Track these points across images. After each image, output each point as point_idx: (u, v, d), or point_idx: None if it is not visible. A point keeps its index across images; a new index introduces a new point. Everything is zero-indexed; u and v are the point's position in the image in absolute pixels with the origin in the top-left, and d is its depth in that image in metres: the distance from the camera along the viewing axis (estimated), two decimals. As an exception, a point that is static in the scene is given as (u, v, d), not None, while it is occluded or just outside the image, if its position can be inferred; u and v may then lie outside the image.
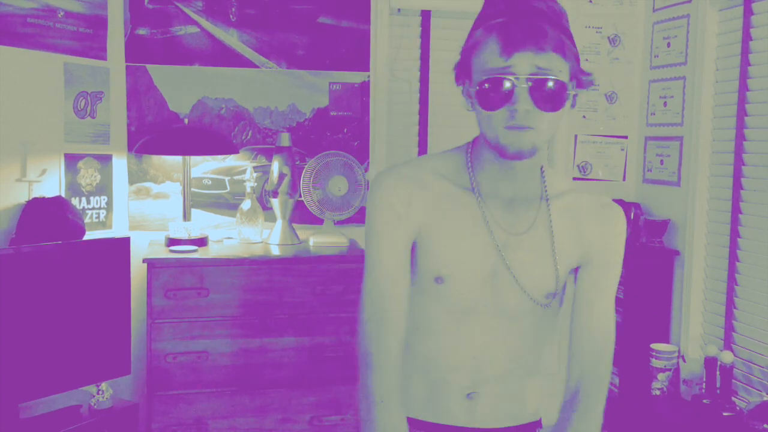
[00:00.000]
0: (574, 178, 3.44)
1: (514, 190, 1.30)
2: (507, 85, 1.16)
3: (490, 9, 1.21)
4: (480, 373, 1.35)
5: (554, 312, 1.38)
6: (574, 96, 1.24)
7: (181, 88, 3.09)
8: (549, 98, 1.17)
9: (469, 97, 1.25)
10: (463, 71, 1.26)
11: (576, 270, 1.38)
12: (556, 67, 1.17)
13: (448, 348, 1.33)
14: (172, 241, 2.87)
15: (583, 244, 1.34)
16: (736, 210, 2.89)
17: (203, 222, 3.13)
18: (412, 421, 1.36)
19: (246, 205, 3.00)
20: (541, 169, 1.34)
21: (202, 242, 2.91)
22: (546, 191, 1.33)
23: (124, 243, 2.64)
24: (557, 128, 1.24)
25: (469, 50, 1.23)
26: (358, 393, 1.31)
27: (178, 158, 3.06)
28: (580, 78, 1.24)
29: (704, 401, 2.80)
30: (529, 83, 1.16)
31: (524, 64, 1.15)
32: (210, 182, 3.16)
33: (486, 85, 1.18)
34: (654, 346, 3.02)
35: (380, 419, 1.27)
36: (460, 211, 1.30)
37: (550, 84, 1.16)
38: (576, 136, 3.44)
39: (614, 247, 1.36)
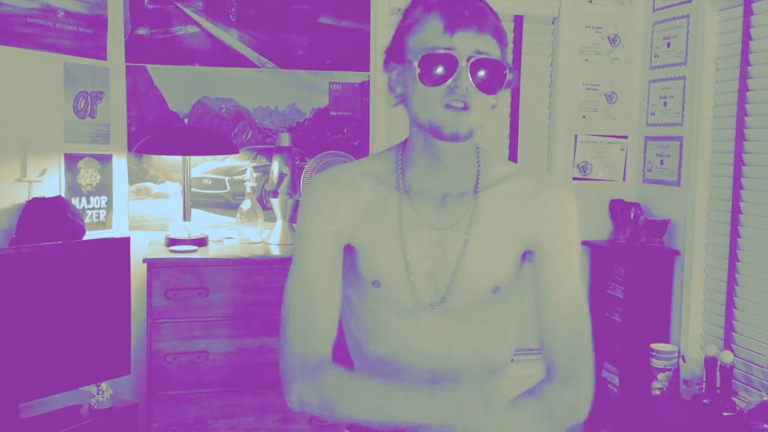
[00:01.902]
0: (574, 178, 3.44)
1: (446, 185, 1.27)
2: (450, 61, 1.15)
3: None
4: (436, 372, 1.31)
5: (504, 303, 1.33)
6: (505, 86, 1.23)
7: (181, 88, 3.09)
8: (489, 79, 1.17)
9: (398, 83, 1.24)
10: (395, 54, 1.24)
11: (525, 255, 1.32)
12: (495, 52, 1.18)
13: (400, 349, 1.30)
14: (172, 241, 2.87)
15: (527, 229, 1.29)
16: (736, 210, 2.89)
17: (203, 222, 3.13)
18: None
19: (246, 205, 3.00)
20: (477, 160, 1.30)
21: (202, 242, 2.91)
22: (478, 183, 1.29)
23: (124, 243, 2.64)
24: (488, 118, 1.22)
25: (404, 30, 1.22)
26: (292, 400, 1.27)
27: (178, 158, 3.06)
28: (508, 69, 1.22)
29: (704, 401, 2.80)
30: (470, 62, 1.15)
31: (466, 43, 1.15)
32: (210, 182, 3.16)
33: (426, 62, 1.16)
34: (654, 346, 3.02)
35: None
36: (390, 212, 1.27)
37: (490, 66, 1.17)
38: (576, 136, 3.44)
39: (564, 227, 1.30)
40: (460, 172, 1.28)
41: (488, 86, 1.17)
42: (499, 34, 1.19)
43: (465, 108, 1.17)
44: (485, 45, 1.16)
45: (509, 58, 1.26)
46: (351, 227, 1.28)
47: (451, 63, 1.15)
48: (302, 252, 1.30)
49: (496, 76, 1.18)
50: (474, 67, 1.15)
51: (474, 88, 1.16)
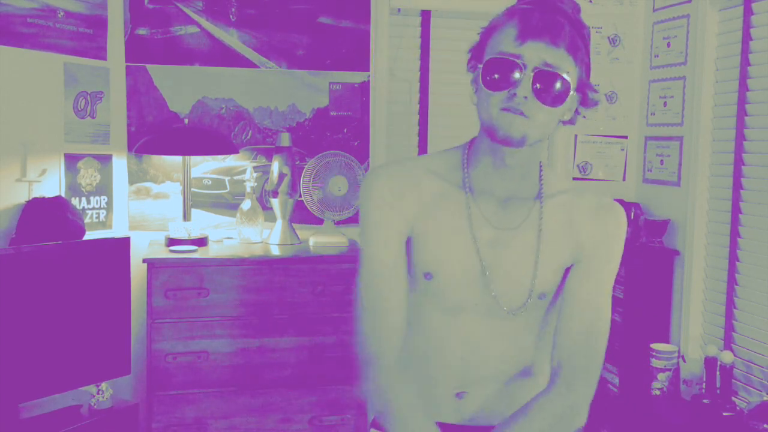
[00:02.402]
0: (574, 178, 3.44)
1: (509, 188, 1.29)
2: (513, 68, 1.17)
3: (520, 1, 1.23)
4: (469, 374, 1.34)
5: (546, 311, 1.36)
6: (576, 110, 1.26)
7: (181, 88, 3.09)
8: (549, 92, 1.18)
9: (475, 82, 1.25)
10: (476, 54, 1.26)
11: (568, 269, 1.36)
12: (565, 67, 1.18)
13: (438, 346, 1.33)
14: (172, 241, 2.87)
15: (576, 243, 1.32)
16: (736, 210, 2.89)
17: (203, 222, 3.13)
18: None
19: (246, 205, 3.00)
20: (540, 169, 1.33)
21: (202, 242, 2.90)
22: (542, 190, 1.32)
23: (124, 243, 2.64)
24: (551, 131, 1.24)
25: (487, 33, 1.24)
26: (362, 388, 1.32)
27: (178, 158, 3.06)
28: (587, 92, 1.25)
29: (704, 401, 2.80)
30: (534, 72, 1.16)
31: (535, 54, 1.16)
32: (210, 182, 3.16)
33: (492, 65, 1.18)
34: (654, 346, 3.02)
35: (400, 414, 1.28)
36: (450, 208, 1.29)
37: (554, 79, 1.17)
38: (576, 136, 3.44)
39: (609, 245, 1.33)
40: (522, 178, 1.30)
41: (548, 98, 1.18)
42: (574, 50, 1.19)
43: (521, 114, 1.18)
44: (556, 58, 1.17)
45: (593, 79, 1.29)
46: (414, 217, 1.30)
47: (513, 69, 1.17)
48: (368, 243, 1.32)
49: (559, 91, 1.18)
50: (536, 78, 1.17)
51: (533, 96, 1.17)
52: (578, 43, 1.20)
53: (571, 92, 1.20)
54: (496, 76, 1.18)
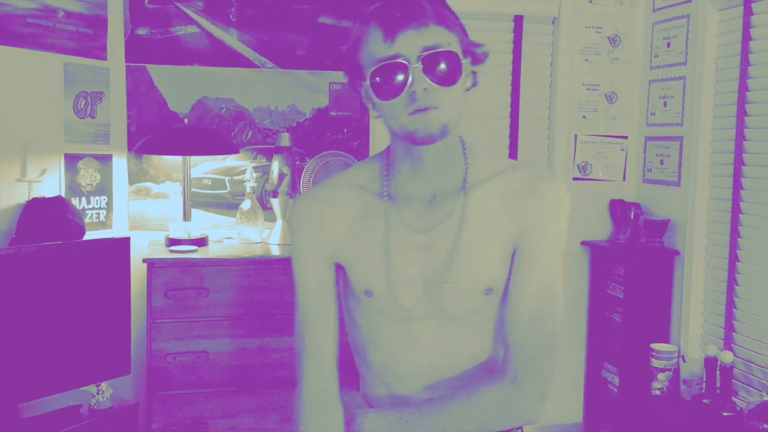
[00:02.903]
0: (574, 178, 3.44)
1: (432, 186, 1.24)
2: (398, 69, 1.12)
3: (364, 4, 1.18)
4: (434, 375, 1.29)
5: (499, 304, 1.28)
6: (474, 73, 1.20)
7: (181, 88, 3.09)
8: (444, 72, 1.13)
9: (368, 98, 1.21)
10: (354, 73, 1.21)
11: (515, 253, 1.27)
12: (444, 41, 1.13)
13: (400, 356, 1.28)
14: (172, 241, 2.87)
15: (514, 225, 1.23)
16: (736, 210, 2.89)
17: (203, 222, 3.13)
18: None
19: (246, 205, 3.00)
20: (465, 156, 1.26)
21: (202, 242, 2.91)
22: (466, 180, 1.25)
23: (124, 243, 2.64)
24: (463, 107, 1.19)
25: (353, 49, 1.19)
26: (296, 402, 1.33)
27: (178, 158, 3.06)
28: (473, 51, 1.19)
29: (704, 401, 2.80)
30: (420, 62, 1.11)
31: (410, 44, 1.11)
32: (210, 182, 3.16)
33: (377, 76, 1.14)
34: (654, 346, 3.02)
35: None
36: (376, 222, 1.25)
37: (442, 58, 1.12)
38: (576, 136, 3.44)
39: (550, 222, 1.23)
40: (445, 171, 1.24)
41: (447, 78, 1.14)
42: (445, 19, 1.14)
43: (432, 109, 1.13)
44: (432, 38, 1.12)
45: (477, 39, 1.22)
46: (338, 244, 1.28)
47: (398, 70, 1.12)
48: (297, 271, 1.32)
49: (452, 66, 1.14)
50: (426, 66, 1.12)
51: (433, 85, 1.13)
52: (442, 11, 1.14)
53: (462, 60, 1.15)
54: (386, 84, 1.13)
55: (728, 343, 2.91)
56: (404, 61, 1.11)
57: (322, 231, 1.28)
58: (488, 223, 1.23)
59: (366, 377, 1.38)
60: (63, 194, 2.80)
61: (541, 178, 1.25)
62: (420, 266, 1.24)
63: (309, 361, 1.31)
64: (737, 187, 2.89)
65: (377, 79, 1.14)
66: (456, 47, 1.15)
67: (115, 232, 3.02)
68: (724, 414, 2.69)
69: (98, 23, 2.94)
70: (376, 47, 1.14)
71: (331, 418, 1.30)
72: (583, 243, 3.41)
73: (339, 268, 1.32)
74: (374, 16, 1.14)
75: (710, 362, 2.80)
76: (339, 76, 3.21)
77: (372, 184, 1.28)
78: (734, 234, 2.90)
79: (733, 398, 2.80)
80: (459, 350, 1.28)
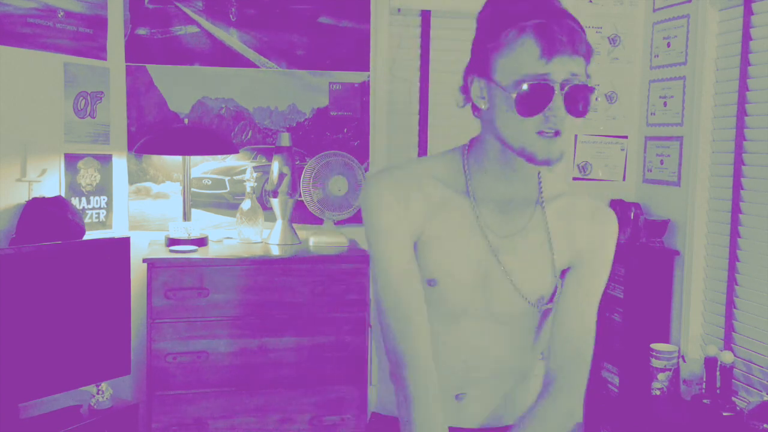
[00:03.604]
0: (574, 178, 3.44)
1: (510, 192, 1.29)
2: (546, 90, 1.15)
3: (514, 7, 1.18)
4: (469, 376, 1.35)
5: (541, 315, 1.38)
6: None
7: (181, 88, 3.09)
8: (580, 104, 1.18)
9: (477, 96, 1.23)
10: (478, 67, 1.22)
11: (565, 272, 1.37)
12: (583, 72, 1.18)
13: (439, 351, 1.32)
14: (172, 241, 2.87)
15: (575, 247, 1.34)
16: (736, 210, 2.89)
17: (203, 222, 3.13)
18: None
19: (246, 205, 3.00)
20: (539, 172, 1.32)
21: (202, 242, 2.91)
22: (542, 194, 1.32)
23: (124, 243, 2.64)
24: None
25: (492, 48, 1.19)
26: (396, 392, 1.30)
27: (178, 158, 3.06)
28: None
29: (704, 401, 2.80)
30: (565, 89, 1.16)
31: (561, 69, 1.15)
32: (210, 182, 3.16)
33: (526, 89, 1.15)
34: (654, 346, 3.02)
35: (418, 419, 1.25)
36: (453, 214, 1.29)
37: (584, 91, 1.18)
38: (576, 136, 3.44)
39: (604, 250, 1.36)
40: (525, 182, 1.30)
41: (582, 110, 1.19)
42: (589, 53, 1.19)
43: (556, 134, 1.17)
44: (578, 67, 1.17)
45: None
46: (422, 222, 1.29)
47: (548, 92, 1.15)
48: (381, 252, 1.29)
49: (586, 99, 1.19)
50: (568, 94, 1.16)
51: (567, 115, 1.17)
52: (589, 45, 1.19)
53: (596, 96, 1.21)
54: (531, 101, 1.15)
55: (728, 343, 2.91)
56: (552, 84, 1.15)
57: (409, 208, 1.28)
58: (558, 238, 1.32)
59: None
60: (63, 194, 2.80)
61: (602, 210, 1.38)
62: (486, 267, 1.30)
63: (407, 326, 1.28)
64: (737, 187, 2.89)
65: (525, 91, 1.15)
66: (588, 80, 1.20)
67: (115, 232, 3.02)
68: (724, 414, 2.69)
69: (98, 23, 2.93)
70: (528, 60, 1.15)
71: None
72: (583, 243, 3.41)
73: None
74: (533, 29, 1.15)
75: (710, 362, 2.80)
76: (339, 76, 3.22)
77: (452, 179, 1.30)
78: (734, 234, 2.90)
79: (733, 398, 2.80)
80: (495, 351, 1.35)
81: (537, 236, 1.31)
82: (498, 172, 1.27)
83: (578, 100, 1.17)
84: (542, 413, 1.32)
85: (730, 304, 2.92)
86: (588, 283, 1.35)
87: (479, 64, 1.22)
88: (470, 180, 1.29)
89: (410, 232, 1.29)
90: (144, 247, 2.94)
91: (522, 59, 1.16)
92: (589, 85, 1.19)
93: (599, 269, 1.36)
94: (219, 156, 3.12)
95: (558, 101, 1.15)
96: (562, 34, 1.14)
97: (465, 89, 1.27)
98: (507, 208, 1.30)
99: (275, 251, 2.85)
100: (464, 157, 1.31)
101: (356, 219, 3.08)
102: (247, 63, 3.13)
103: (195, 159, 3.08)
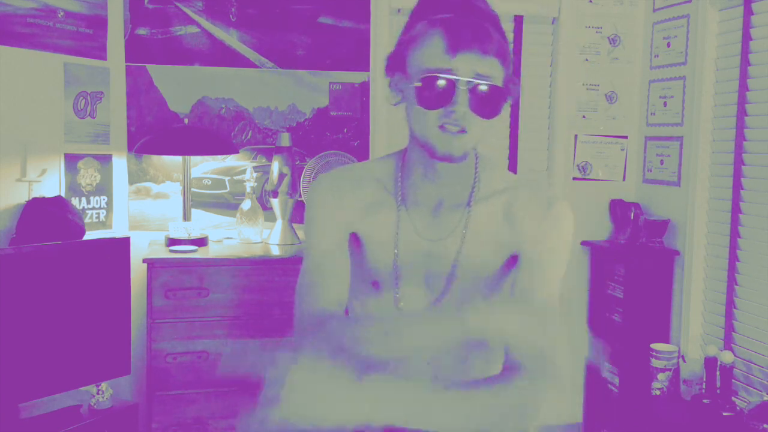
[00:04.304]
0: (574, 178, 3.44)
1: (438, 195, 1.28)
2: (448, 84, 1.13)
3: (431, 2, 1.19)
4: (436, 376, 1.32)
5: (488, 290, 1.33)
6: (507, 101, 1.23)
7: (181, 88, 3.09)
8: (487, 105, 1.16)
9: (398, 90, 1.23)
10: (396, 63, 1.23)
11: (512, 262, 1.31)
12: (496, 74, 1.16)
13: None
14: (172, 241, 2.87)
15: (515, 236, 1.28)
16: (736, 210, 2.89)
17: (203, 222, 3.13)
18: None
19: (246, 205, 3.00)
20: (476, 171, 1.30)
21: (202, 242, 2.91)
22: (472, 196, 1.29)
23: (124, 243, 2.64)
24: (485, 135, 1.22)
25: (407, 43, 1.20)
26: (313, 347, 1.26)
27: (178, 158, 3.06)
28: (510, 86, 1.21)
29: (704, 401, 2.80)
30: (470, 86, 1.14)
31: (467, 66, 1.13)
32: (210, 182, 3.16)
33: (426, 82, 1.15)
34: (654, 346, 3.02)
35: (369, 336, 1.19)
36: (388, 219, 1.29)
37: (491, 91, 1.15)
38: (576, 136, 3.44)
39: (552, 237, 1.27)
40: (455, 184, 1.28)
41: (486, 111, 1.17)
42: (503, 55, 1.16)
43: (461, 131, 1.16)
44: (487, 68, 1.15)
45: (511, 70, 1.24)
46: (355, 217, 1.30)
47: (449, 87, 1.14)
48: (310, 236, 1.33)
49: (494, 101, 1.16)
50: (473, 93, 1.14)
51: (470, 111, 1.15)
52: (504, 46, 1.17)
53: (506, 99, 1.19)
54: (432, 95, 1.15)
55: (728, 343, 2.91)
56: (455, 80, 1.13)
57: (343, 201, 1.30)
58: (489, 237, 1.28)
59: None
60: (63, 194, 2.80)
61: (543, 198, 1.28)
62: (422, 271, 1.29)
63: (320, 297, 1.27)
64: (737, 187, 2.89)
65: (426, 84, 1.15)
66: (500, 82, 1.17)
67: (115, 232, 3.02)
68: (724, 414, 2.69)
69: (98, 23, 2.93)
70: (434, 54, 1.15)
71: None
72: (583, 243, 3.41)
73: (352, 250, 1.34)
74: (442, 24, 1.15)
75: (710, 362, 2.80)
76: (339, 76, 3.21)
77: (388, 182, 1.32)
78: (734, 234, 2.90)
79: (733, 398, 2.80)
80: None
81: (470, 239, 1.28)
82: (422, 174, 1.27)
83: (486, 100, 1.15)
84: (485, 393, 1.18)
85: (730, 304, 2.92)
86: (538, 273, 1.27)
87: (397, 59, 1.23)
88: (401, 184, 1.30)
89: (342, 225, 1.30)
90: (144, 247, 2.94)
91: (429, 53, 1.15)
92: (495, 84, 1.15)
93: (546, 258, 1.27)
94: (219, 156, 3.12)
95: (461, 98, 1.14)
96: (469, 32, 1.13)
97: (391, 85, 1.27)
98: (437, 212, 1.29)
99: (275, 251, 2.85)
100: (398, 162, 1.33)
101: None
102: (247, 63, 3.13)
103: (195, 159, 3.08)
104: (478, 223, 1.28)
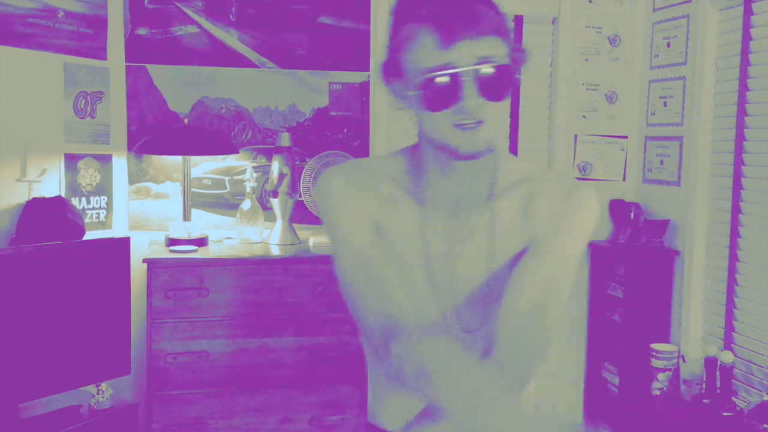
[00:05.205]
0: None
1: (458, 191, 1.20)
2: (452, 80, 1.05)
3: (411, 2, 1.10)
4: None
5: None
6: (516, 80, 1.14)
7: (181, 88, 3.09)
8: (497, 86, 1.07)
9: (400, 97, 1.15)
10: (391, 70, 1.15)
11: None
12: (498, 52, 1.07)
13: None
14: (172, 241, 2.87)
15: (532, 225, 1.19)
16: (736, 210, 2.89)
17: (203, 222, 3.13)
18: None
19: (246, 205, 3.00)
20: (495, 164, 1.21)
21: (202, 242, 2.90)
22: (494, 188, 1.20)
23: (124, 243, 2.64)
24: (507, 117, 1.17)
25: (397, 48, 1.12)
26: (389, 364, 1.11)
27: (178, 158, 3.06)
28: (517, 56, 1.13)
29: (704, 401, 2.80)
30: (474, 74, 1.05)
31: (465, 54, 1.05)
32: (210, 182, 3.16)
33: (427, 84, 1.07)
34: (654, 346, 3.02)
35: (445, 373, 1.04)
36: (404, 215, 1.21)
37: (497, 71, 1.07)
38: (576, 136, 3.44)
39: (567, 221, 1.17)
40: (473, 179, 1.19)
41: (498, 93, 1.08)
42: (501, 30, 1.08)
43: (478, 123, 1.08)
44: (486, 49, 1.06)
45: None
46: (377, 210, 1.21)
47: (452, 82, 1.05)
48: (338, 230, 1.21)
49: (504, 80, 1.08)
50: (479, 79, 1.06)
51: (483, 100, 1.07)
52: (499, 21, 1.09)
53: (514, 74, 1.11)
54: (437, 95, 1.06)
55: (728, 343, 2.91)
56: (458, 72, 1.05)
57: (363, 193, 1.20)
58: (514, 231, 1.20)
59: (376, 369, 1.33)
60: (63, 194, 2.80)
61: (567, 186, 1.20)
62: (442, 274, 1.21)
63: (378, 294, 1.16)
64: (737, 187, 2.89)
65: (427, 87, 1.07)
66: (506, 58, 1.09)
67: (115, 232, 3.02)
68: (724, 414, 2.69)
69: (98, 23, 2.93)
70: (427, 53, 1.07)
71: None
72: (583, 243, 3.41)
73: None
74: (429, 19, 1.06)
75: (710, 362, 2.80)
76: (339, 76, 3.21)
77: (401, 179, 1.22)
78: (734, 234, 2.90)
79: (733, 398, 2.80)
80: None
81: (496, 237, 1.19)
82: (437, 173, 1.19)
83: (495, 82, 1.07)
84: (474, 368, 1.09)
85: (730, 304, 2.92)
86: (546, 251, 1.17)
87: (392, 66, 1.15)
88: (416, 183, 1.21)
89: (367, 213, 1.20)
90: (144, 247, 2.94)
91: (422, 53, 1.07)
92: (500, 63, 1.07)
93: (562, 240, 1.17)
94: (219, 156, 3.12)
95: (468, 89, 1.05)
96: (458, 18, 1.04)
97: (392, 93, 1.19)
98: (456, 210, 1.20)
99: (275, 251, 2.85)
100: (409, 160, 1.24)
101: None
102: (247, 63, 3.13)
103: (195, 159, 3.08)
104: (501, 217, 1.19)
